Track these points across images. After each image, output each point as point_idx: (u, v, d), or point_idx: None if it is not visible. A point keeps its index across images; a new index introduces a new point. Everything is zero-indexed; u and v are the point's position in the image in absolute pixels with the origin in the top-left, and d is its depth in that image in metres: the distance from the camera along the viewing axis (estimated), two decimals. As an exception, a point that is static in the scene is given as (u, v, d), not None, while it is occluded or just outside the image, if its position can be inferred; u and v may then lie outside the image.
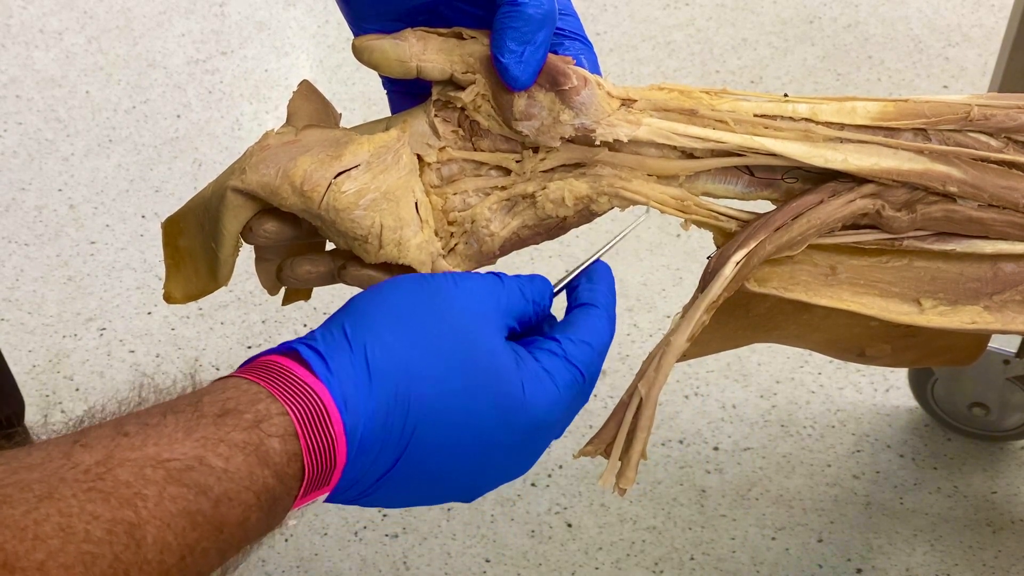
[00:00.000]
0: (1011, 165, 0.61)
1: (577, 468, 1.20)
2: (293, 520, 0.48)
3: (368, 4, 0.60)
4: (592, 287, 0.57)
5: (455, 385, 0.49)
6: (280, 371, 0.46)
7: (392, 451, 0.48)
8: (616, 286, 0.59)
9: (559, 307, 0.57)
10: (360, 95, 1.72)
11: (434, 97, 0.60)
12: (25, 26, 1.86)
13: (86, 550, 0.38)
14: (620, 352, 1.31)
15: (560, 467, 1.21)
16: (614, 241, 0.61)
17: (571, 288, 0.58)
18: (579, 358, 0.53)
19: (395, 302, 0.50)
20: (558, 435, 0.54)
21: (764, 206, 0.62)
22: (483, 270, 0.56)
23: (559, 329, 0.55)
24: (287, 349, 0.48)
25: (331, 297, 1.40)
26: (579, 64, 0.59)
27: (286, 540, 1.12)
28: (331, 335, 0.48)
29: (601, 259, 0.59)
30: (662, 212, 0.62)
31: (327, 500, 0.49)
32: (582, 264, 0.59)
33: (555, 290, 0.57)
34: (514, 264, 0.60)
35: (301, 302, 1.40)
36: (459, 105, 0.60)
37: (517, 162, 0.60)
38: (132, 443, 0.42)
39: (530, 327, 0.56)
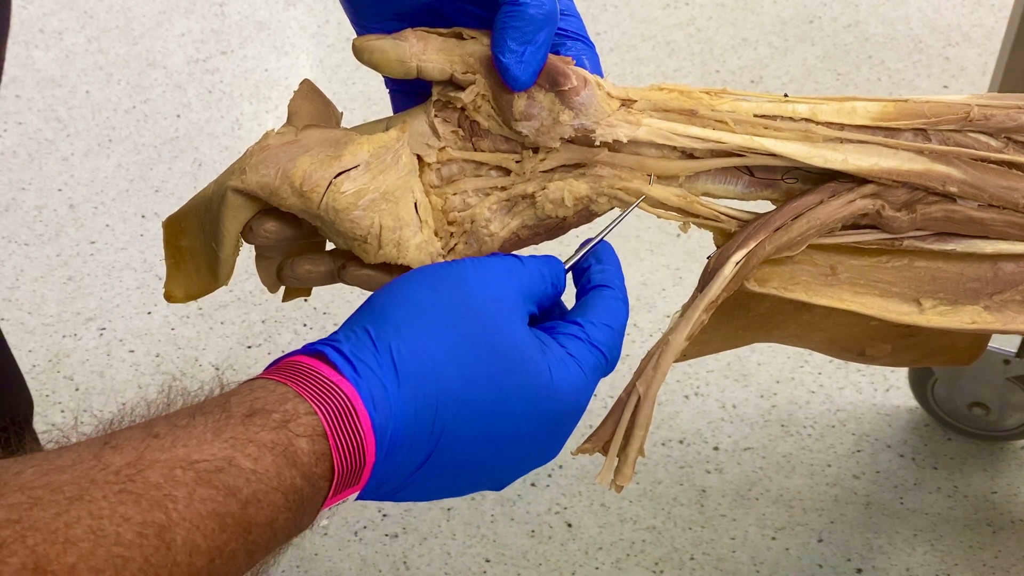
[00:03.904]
0: (1011, 165, 0.61)
1: (577, 468, 1.20)
2: (325, 520, 0.47)
3: (371, 3, 0.60)
4: (602, 268, 0.57)
5: (482, 378, 0.48)
6: (307, 371, 0.46)
7: (423, 447, 0.48)
8: None
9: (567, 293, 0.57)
10: (360, 95, 1.72)
11: (434, 97, 0.60)
12: (25, 26, 1.86)
13: (117, 553, 0.38)
14: (620, 352, 1.31)
15: (560, 467, 1.21)
16: (619, 219, 0.60)
17: (580, 269, 0.58)
18: (602, 341, 0.53)
19: (417, 296, 0.50)
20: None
21: (764, 206, 0.62)
22: None
23: (578, 312, 0.55)
24: (312, 351, 0.48)
25: (331, 297, 1.40)
26: (580, 65, 0.59)
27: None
28: (355, 335, 0.48)
29: (605, 240, 0.59)
30: (659, 216, 0.62)
31: (358, 498, 0.49)
32: (590, 244, 0.58)
33: (565, 269, 0.57)
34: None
35: (301, 302, 1.41)
36: (459, 105, 0.60)
37: (517, 162, 0.60)
38: (162, 444, 0.41)
39: (547, 309, 0.56)
